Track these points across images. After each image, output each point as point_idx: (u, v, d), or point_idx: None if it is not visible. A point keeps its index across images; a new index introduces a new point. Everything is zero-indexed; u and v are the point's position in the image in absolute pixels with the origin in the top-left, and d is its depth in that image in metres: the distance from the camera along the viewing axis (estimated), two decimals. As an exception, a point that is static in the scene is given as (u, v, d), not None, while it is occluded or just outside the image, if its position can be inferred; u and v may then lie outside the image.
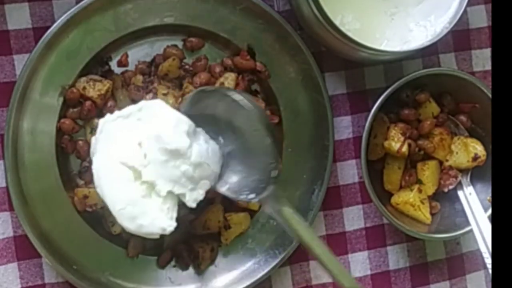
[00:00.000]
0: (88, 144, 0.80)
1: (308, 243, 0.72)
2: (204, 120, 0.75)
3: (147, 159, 0.71)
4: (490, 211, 0.84)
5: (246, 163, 0.75)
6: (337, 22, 0.78)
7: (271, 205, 0.73)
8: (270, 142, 0.72)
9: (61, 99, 0.79)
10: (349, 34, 0.77)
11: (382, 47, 0.79)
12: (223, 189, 0.76)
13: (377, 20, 0.80)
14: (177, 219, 0.79)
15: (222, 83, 0.82)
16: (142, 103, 0.74)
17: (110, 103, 0.80)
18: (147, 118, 0.73)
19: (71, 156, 0.81)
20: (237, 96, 0.73)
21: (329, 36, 0.79)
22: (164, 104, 0.74)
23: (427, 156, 0.87)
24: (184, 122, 0.72)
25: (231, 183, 0.76)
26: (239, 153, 0.75)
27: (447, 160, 0.87)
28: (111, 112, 0.78)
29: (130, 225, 0.73)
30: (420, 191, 0.86)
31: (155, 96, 0.79)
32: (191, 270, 0.84)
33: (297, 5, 0.81)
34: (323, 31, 0.80)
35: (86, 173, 0.80)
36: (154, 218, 0.72)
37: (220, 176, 0.76)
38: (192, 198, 0.73)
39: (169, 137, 0.71)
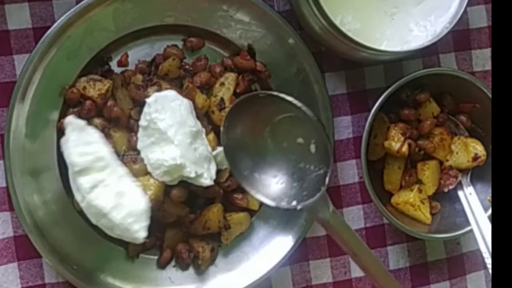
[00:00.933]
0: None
1: (360, 255, 0.74)
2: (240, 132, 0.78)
3: (175, 144, 0.75)
4: (490, 211, 0.84)
5: (283, 171, 0.78)
6: (337, 22, 0.78)
7: (316, 213, 0.75)
8: (314, 151, 0.75)
9: (61, 99, 0.79)
10: (349, 34, 0.77)
11: (382, 47, 0.79)
12: (259, 195, 0.78)
13: (377, 20, 0.80)
14: (178, 219, 0.79)
15: (223, 83, 0.82)
16: (156, 94, 0.77)
17: (110, 102, 0.80)
18: (165, 108, 0.76)
19: (71, 156, 0.81)
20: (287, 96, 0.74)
21: (329, 36, 0.79)
22: (175, 93, 0.78)
23: (427, 156, 0.87)
24: (193, 107, 0.79)
25: (268, 190, 0.78)
26: (276, 161, 0.78)
27: (447, 160, 0.87)
28: (111, 111, 0.79)
29: (112, 234, 0.77)
30: (420, 191, 0.86)
31: (159, 89, 0.79)
32: (191, 270, 0.84)
33: (297, 5, 0.81)
34: (323, 31, 0.80)
35: (86, 173, 0.80)
36: (125, 230, 0.75)
37: (255, 183, 0.78)
38: (209, 177, 0.78)
39: (192, 121, 0.77)
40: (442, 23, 0.80)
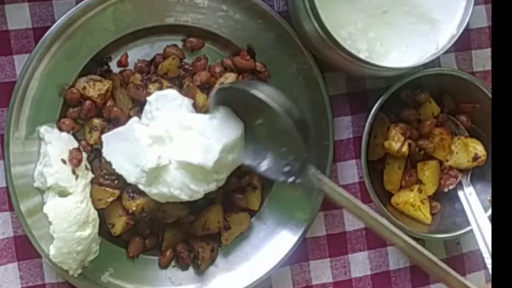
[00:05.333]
0: (87, 143, 0.80)
1: (356, 211, 0.74)
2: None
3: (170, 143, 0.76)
4: (490, 211, 0.84)
5: (275, 148, 0.77)
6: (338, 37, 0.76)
7: (312, 184, 0.76)
8: (293, 130, 0.73)
9: (61, 99, 0.79)
10: (353, 51, 0.76)
11: (384, 64, 0.78)
12: (262, 169, 0.78)
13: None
14: (178, 220, 0.79)
15: (222, 84, 0.82)
16: (157, 93, 0.78)
17: (109, 102, 0.80)
18: (165, 107, 0.77)
19: (71, 156, 0.81)
20: (259, 93, 0.73)
21: (332, 53, 0.78)
22: (176, 92, 0.78)
23: (427, 156, 0.87)
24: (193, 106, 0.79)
25: (267, 165, 0.78)
26: (269, 139, 0.77)
27: (447, 160, 0.87)
28: (111, 111, 0.79)
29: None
30: (420, 191, 0.86)
31: (160, 87, 0.79)
32: (191, 270, 0.84)
33: (299, 27, 0.80)
34: (325, 48, 0.78)
35: (86, 173, 0.80)
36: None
37: (256, 157, 0.78)
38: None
39: (192, 119, 0.77)
40: (446, 38, 0.79)
